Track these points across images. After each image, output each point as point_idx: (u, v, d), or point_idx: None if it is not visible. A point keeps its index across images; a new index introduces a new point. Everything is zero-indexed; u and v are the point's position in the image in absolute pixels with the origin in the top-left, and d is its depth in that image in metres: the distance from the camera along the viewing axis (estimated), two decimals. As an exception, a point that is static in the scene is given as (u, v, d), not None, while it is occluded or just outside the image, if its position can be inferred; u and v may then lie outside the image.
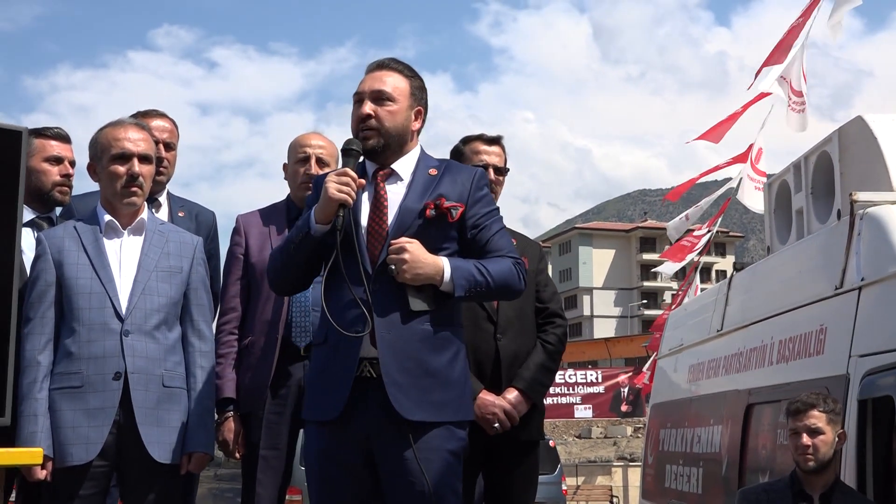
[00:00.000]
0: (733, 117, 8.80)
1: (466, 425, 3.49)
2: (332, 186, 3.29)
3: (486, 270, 3.38)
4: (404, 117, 3.49)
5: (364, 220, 3.41)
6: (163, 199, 4.63)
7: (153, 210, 4.29)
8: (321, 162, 4.36)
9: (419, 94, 3.55)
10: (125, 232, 3.89)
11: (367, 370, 3.32)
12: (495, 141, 4.38)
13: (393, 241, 3.31)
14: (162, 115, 4.62)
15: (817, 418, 3.93)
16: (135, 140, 3.87)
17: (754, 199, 9.01)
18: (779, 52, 8.51)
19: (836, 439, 3.96)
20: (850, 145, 4.97)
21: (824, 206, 5.15)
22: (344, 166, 3.38)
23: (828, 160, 5.12)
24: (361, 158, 3.48)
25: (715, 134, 9.07)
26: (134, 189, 3.86)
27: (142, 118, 4.27)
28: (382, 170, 3.47)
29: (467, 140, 4.40)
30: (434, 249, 3.37)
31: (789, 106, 8.22)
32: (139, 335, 3.77)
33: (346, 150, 3.41)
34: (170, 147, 4.61)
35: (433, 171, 3.51)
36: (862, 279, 4.30)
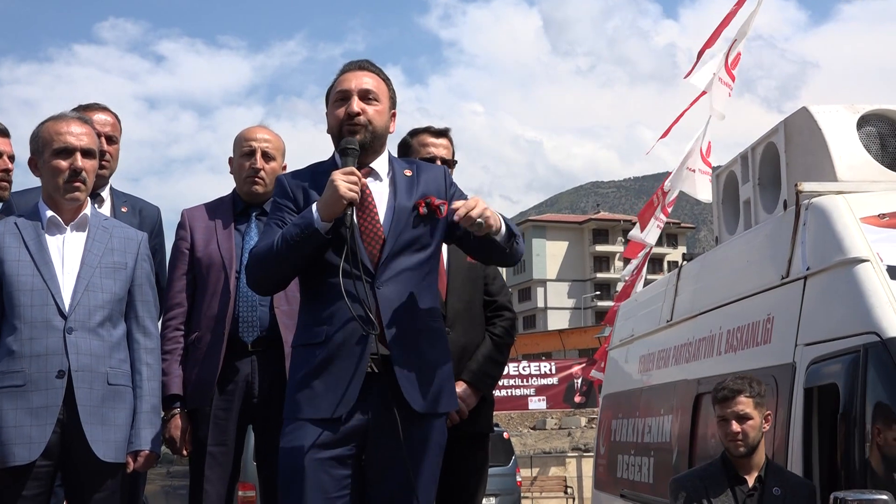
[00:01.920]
0: (682, 115, 8.92)
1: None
2: (343, 186, 3.29)
3: (512, 225, 3.51)
4: (387, 118, 3.58)
5: (354, 220, 3.41)
6: (105, 193, 4.56)
7: (95, 205, 4.22)
8: (266, 156, 4.32)
9: (394, 98, 3.64)
10: (68, 228, 3.82)
11: (371, 366, 3.36)
12: (443, 133, 4.38)
13: (455, 205, 3.32)
14: (104, 109, 4.55)
15: (745, 404, 4.00)
16: (77, 134, 3.80)
17: (706, 192, 9.09)
18: (714, 38, 8.62)
19: (764, 422, 4.03)
20: (795, 136, 5.02)
21: (771, 197, 5.20)
22: (343, 165, 3.40)
23: (774, 151, 5.17)
24: (333, 154, 3.53)
25: (667, 133, 9.22)
26: (77, 184, 3.79)
27: (83, 112, 4.21)
28: (362, 168, 3.49)
29: (415, 133, 4.40)
30: (423, 246, 3.48)
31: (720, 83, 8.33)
32: (83, 332, 3.72)
33: (345, 150, 3.44)
34: (112, 141, 4.53)
35: (408, 172, 3.58)
36: (807, 269, 4.34)
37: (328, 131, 3.57)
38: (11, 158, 4.25)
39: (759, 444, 4.04)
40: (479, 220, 3.27)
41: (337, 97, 3.54)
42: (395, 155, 3.88)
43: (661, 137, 9.15)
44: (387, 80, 3.62)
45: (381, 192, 3.51)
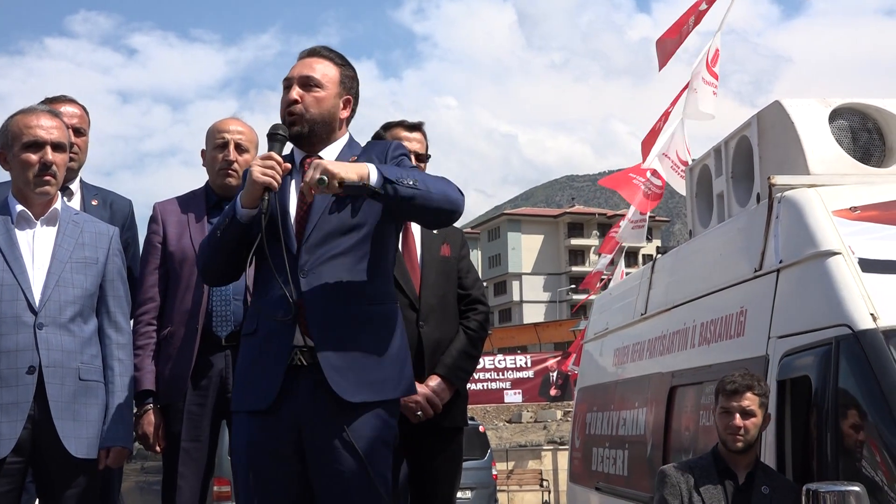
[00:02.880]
0: (664, 115, 8.96)
1: (399, 408, 3.53)
2: (256, 170, 3.27)
3: (416, 174, 3.32)
4: (331, 105, 3.49)
5: (292, 209, 3.40)
6: (75, 187, 4.52)
7: (65, 199, 4.18)
8: (240, 148, 4.30)
9: (349, 83, 3.56)
10: (38, 222, 3.79)
11: (299, 358, 3.31)
12: (416, 127, 4.36)
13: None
14: (71, 101, 4.51)
15: (751, 401, 3.95)
16: (47, 128, 3.76)
17: (679, 186, 9.15)
18: (676, 27, 8.66)
19: (764, 422, 4.03)
20: (768, 130, 5.04)
21: (744, 190, 5.22)
22: (269, 150, 3.35)
23: (747, 145, 5.19)
24: (290, 145, 3.48)
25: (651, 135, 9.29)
26: (47, 178, 3.75)
27: (51, 104, 4.17)
28: (310, 157, 3.45)
29: (388, 126, 4.37)
30: (351, 228, 3.38)
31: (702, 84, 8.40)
32: (54, 328, 3.68)
33: (272, 135, 3.39)
34: (80, 133, 4.49)
35: (353, 158, 3.49)
36: (780, 261, 4.36)
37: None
38: None
39: (755, 443, 4.03)
40: (317, 178, 3.10)
41: (283, 85, 3.50)
42: None
43: (647, 139, 9.15)
44: (340, 65, 3.54)
45: None
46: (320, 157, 3.35)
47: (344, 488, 3.30)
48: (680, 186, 9.30)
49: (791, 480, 3.99)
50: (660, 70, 8.67)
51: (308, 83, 3.45)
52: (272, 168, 3.27)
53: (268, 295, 3.34)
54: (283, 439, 3.32)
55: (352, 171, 3.15)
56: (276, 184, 3.29)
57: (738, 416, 3.95)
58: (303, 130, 3.43)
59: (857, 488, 3.36)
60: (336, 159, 3.44)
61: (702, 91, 8.57)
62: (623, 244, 10.94)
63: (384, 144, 3.62)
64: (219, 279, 3.64)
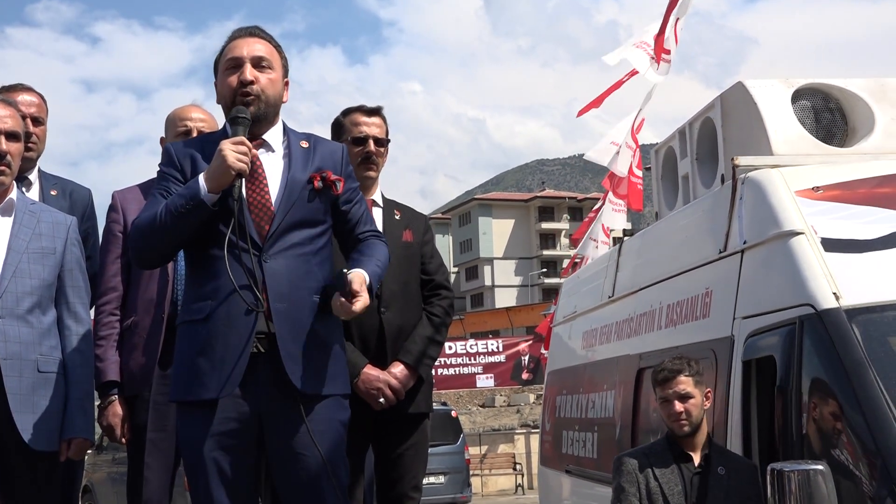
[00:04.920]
0: (615, 86, 8.95)
1: (348, 399, 3.50)
2: (231, 156, 3.19)
3: (382, 269, 3.46)
4: (280, 87, 3.47)
5: (243, 192, 3.30)
6: (33, 177, 4.44)
7: (23, 189, 4.12)
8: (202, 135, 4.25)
9: (286, 66, 3.53)
10: None
11: (256, 345, 3.26)
12: (375, 112, 4.32)
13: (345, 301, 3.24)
14: (28, 89, 4.43)
15: (685, 383, 4.02)
16: (1, 117, 3.72)
17: (624, 167, 9.22)
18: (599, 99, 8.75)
19: (705, 399, 4.07)
20: (731, 111, 5.04)
21: (709, 172, 5.23)
22: (234, 135, 3.29)
23: (711, 126, 5.19)
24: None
25: (597, 101, 9.24)
26: (2, 168, 3.70)
27: (7, 93, 4.11)
28: (254, 139, 3.39)
29: (347, 112, 4.33)
30: (315, 222, 3.39)
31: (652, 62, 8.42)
32: (11, 319, 3.64)
33: (235, 119, 3.32)
34: (38, 122, 4.42)
35: (304, 144, 3.48)
36: (744, 242, 4.37)
37: (218, 101, 3.46)
38: None
39: (702, 423, 4.06)
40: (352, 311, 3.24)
41: (228, 65, 3.41)
42: (329, 136, 3.81)
43: (590, 107, 9.13)
44: (278, 48, 3.50)
45: (274, 164, 3.40)
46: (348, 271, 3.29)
47: (306, 476, 3.28)
48: (622, 167, 9.41)
49: (748, 459, 4.02)
50: (577, 116, 8.87)
51: (260, 63, 3.39)
52: (245, 154, 3.23)
53: (219, 280, 3.25)
54: (244, 429, 3.27)
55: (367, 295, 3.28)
56: (248, 169, 3.25)
57: (676, 402, 4.02)
58: (259, 111, 3.37)
59: (821, 467, 3.38)
60: (281, 143, 3.45)
61: (623, 154, 8.82)
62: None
63: (337, 147, 3.59)
64: (158, 262, 3.54)
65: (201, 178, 3.24)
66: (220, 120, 3.67)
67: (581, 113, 8.93)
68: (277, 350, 3.25)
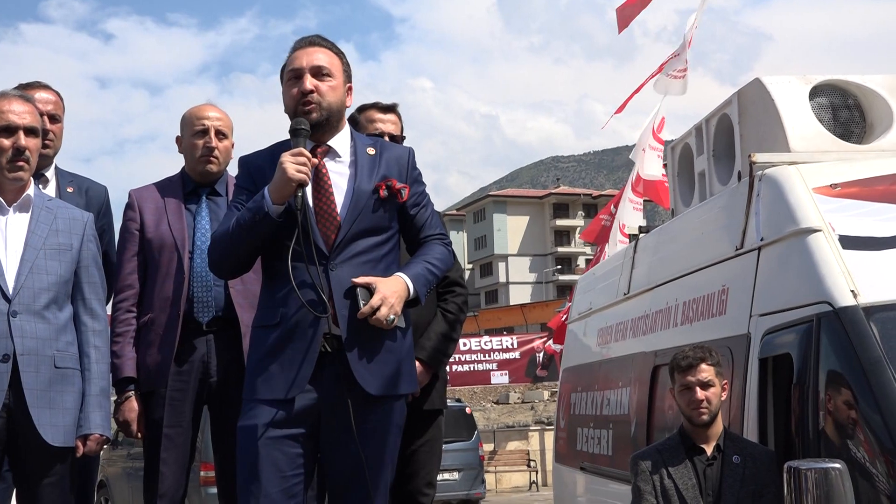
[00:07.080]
0: (638, 90, 9.00)
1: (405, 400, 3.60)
2: (291, 167, 3.26)
3: (434, 266, 3.52)
4: (342, 93, 3.53)
5: (309, 200, 3.38)
6: (50, 174, 4.48)
7: (40, 186, 4.14)
8: (220, 134, 4.30)
9: (348, 72, 3.58)
10: (10, 209, 3.76)
11: (324, 345, 3.35)
12: (391, 109, 4.35)
13: (363, 314, 3.29)
14: (45, 87, 4.47)
15: (708, 371, 4.02)
16: (20, 113, 3.74)
17: (654, 168, 9.26)
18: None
19: (722, 391, 4.07)
20: (748, 107, 5.01)
21: (725, 168, 5.20)
22: (294, 146, 3.35)
23: (728, 123, 5.17)
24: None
25: (622, 108, 9.33)
26: (20, 163, 3.72)
27: (25, 90, 4.13)
28: (319, 147, 3.45)
29: (363, 108, 4.36)
30: (381, 229, 3.46)
31: (668, 75, 8.53)
32: (28, 315, 3.66)
33: (296, 131, 3.38)
34: (55, 119, 4.45)
35: (371, 150, 3.54)
36: (761, 239, 4.35)
37: (285, 111, 3.51)
38: None
39: (718, 415, 4.06)
40: (391, 318, 3.30)
41: (290, 76, 3.48)
42: None
43: (616, 113, 9.19)
44: (340, 54, 3.56)
45: (340, 172, 3.47)
46: (370, 285, 3.34)
47: (351, 474, 3.38)
48: (650, 170, 9.48)
49: (765, 446, 4.00)
50: (619, 33, 8.82)
51: (320, 72, 3.45)
52: (305, 164, 3.29)
53: (287, 287, 3.32)
54: (302, 425, 3.35)
55: (402, 300, 3.36)
56: (308, 180, 3.31)
57: (698, 389, 4.01)
58: (321, 118, 3.42)
59: (838, 465, 3.36)
60: (348, 149, 3.51)
61: (649, 155, 8.85)
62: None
63: (403, 151, 3.64)
64: (233, 273, 3.64)
65: (266, 190, 3.32)
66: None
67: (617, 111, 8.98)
68: (343, 350, 3.34)
